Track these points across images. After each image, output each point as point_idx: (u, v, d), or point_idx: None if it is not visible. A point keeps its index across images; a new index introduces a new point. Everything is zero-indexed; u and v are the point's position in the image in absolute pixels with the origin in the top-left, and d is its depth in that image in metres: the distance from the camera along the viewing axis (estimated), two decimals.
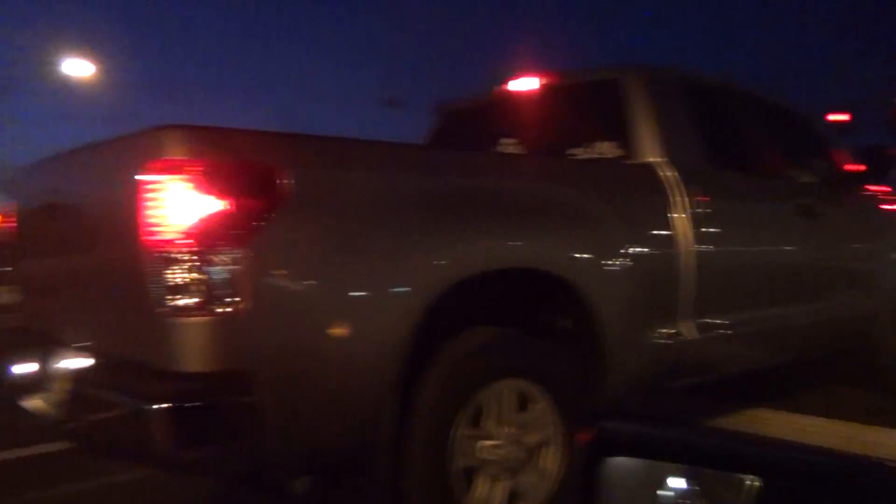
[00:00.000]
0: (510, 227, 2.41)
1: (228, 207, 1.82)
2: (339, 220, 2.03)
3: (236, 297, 1.81)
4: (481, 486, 2.30)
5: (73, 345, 2.47)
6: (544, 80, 3.62)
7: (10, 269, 3.34)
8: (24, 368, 2.66)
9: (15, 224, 3.11)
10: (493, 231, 2.36)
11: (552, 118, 3.61)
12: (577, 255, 2.57)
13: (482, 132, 3.86)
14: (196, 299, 1.79)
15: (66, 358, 2.53)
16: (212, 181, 1.81)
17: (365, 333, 2.03)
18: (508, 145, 3.66)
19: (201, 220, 1.79)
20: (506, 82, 3.72)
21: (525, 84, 3.66)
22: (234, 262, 1.81)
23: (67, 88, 25.69)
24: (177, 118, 1.96)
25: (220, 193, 1.82)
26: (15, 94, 26.94)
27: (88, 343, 2.39)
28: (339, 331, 1.99)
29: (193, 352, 1.83)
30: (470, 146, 3.78)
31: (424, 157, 2.61)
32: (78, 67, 24.96)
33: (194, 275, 1.79)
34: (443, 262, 2.19)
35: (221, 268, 1.80)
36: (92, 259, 2.31)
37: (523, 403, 2.41)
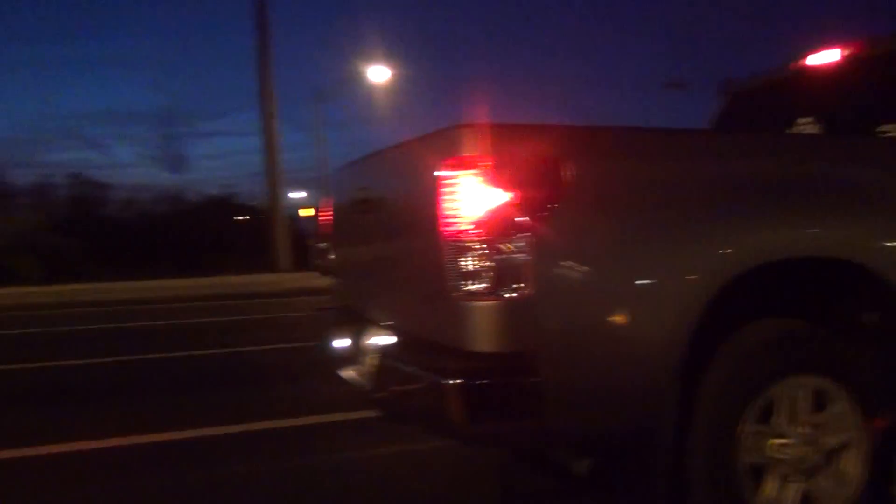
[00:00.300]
0: (808, 215, 2.26)
1: (516, 199, 1.95)
2: (622, 209, 2.07)
3: (523, 282, 1.93)
4: (770, 486, 2.21)
5: (380, 323, 2.80)
6: (848, 51, 3.29)
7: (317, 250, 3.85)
8: (342, 343, 3.06)
9: (331, 217, 3.58)
10: (787, 219, 2.23)
11: (857, 93, 3.28)
12: (889, 244, 2.33)
13: (773, 112, 3.63)
14: (486, 285, 1.95)
15: (375, 335, 2.87)
16: (501, 175, 1.95)
17: (646, 321, 2.05)
18: (806, 125, 3.40)
19: (492, 212, 1.94)
20: (803, 57, 3.45)
21: (826, 57, 3.36)
22: (522, 250, 1.94)
23: (372, 93, 28.58)
24: (469, 115, 2.12)
25: (509, 186, 1.95)
26: (332, 100, 30.51)
27: (393, 322, 2.69)
28: (620, 318, 2.03)
29: (484, 333, 1.98)
30: (759, 128, 3.56)
31: (709, 142, 2.53)
32: (379, 73, 27.68)
33: (485, 262, 1.94)
34: (729, 251, 2.13)
35: (509, 256, 1.94)
36: (396, 248, 2.61)
37: (820, 402, 2.27)
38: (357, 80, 29.39)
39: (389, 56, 28.56)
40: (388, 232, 2.67)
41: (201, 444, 3.91)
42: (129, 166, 68.61)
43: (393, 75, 28.23)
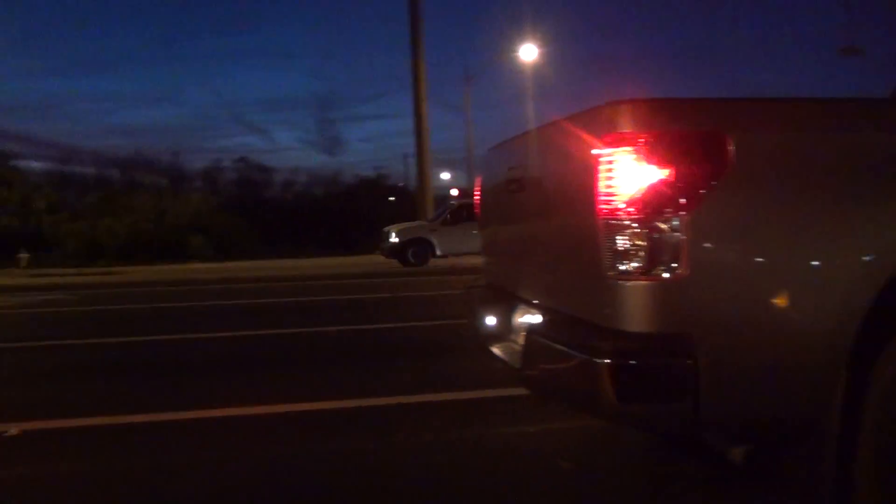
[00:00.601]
0: None
1: (674, 176, 1.90)
2: (789, 186, 1.96)
3: (679, 262, 1.89)
4: None
5: (530, 301, 2.82)
6: None
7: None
8: (492, 320, 3.11)
9: (479, 196, 3.64)
10: None
11: None
12: None
13: None
14: (641, 264, 1.92)
15: (524, 313, 2.90)
16: (658, 151, 1.91)
17: (814, 305, 1.94)
18: None
19: (648, 189, 1.91)
20: None
21: None
22: (678, 229, 1.89)
23: (522, 72, 28.56)
24: (623, 91, 2.08)
25: (666, 163, 1.91)
26: (479, 82, 30.73)
27: (542, 300, 2.71)
28: (784, 301, 1.93)
29: (637, 313, 1.96)
30: None
31: (890, 113, 2.34)
32: (528, 52, 27.59)
33: (640, 241, 1.91)
34: None
35: (665, 235, 1.90)
36: (547, 227, 2.62)
37: None
38: (507, 60, 29.45)
39: (539, 34, 28.26)
40: (539, 211, 2.67)
41: (363, 414, 4.11)
42: (289, 150, 72.56)
43: (542, 53, 28.04)
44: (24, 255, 24.55)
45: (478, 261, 3.70)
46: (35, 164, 38.02)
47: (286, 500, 2.90)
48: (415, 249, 20.58)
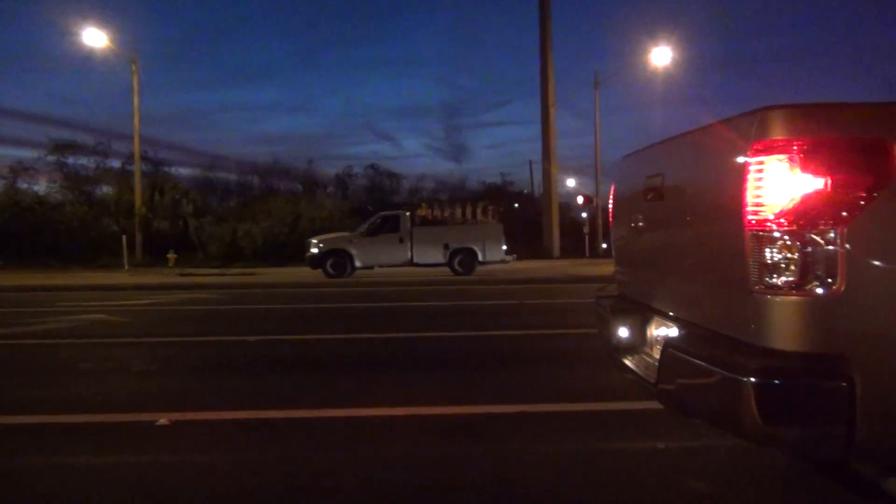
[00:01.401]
0: None
1: (831, 186, 1.79)
2: None
3: (835, 278, 1.77)
4: None
5: (664, 313, 2.73)
6: None
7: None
8: (624, 331, 3.04)
9: (612, 205, 3.56)
10: None
11: None
12: None
13: None
14: (793, 279, 1.82)
15: (658, 325, 2.81)
16: (814, 160, 1.81)
17: None
18: None
19: (802, 200, 1.80)
20: None
21: None
22: (834, 242, 1.77)
23: (653, 76, 27.87)
24: (758, 95, 1.97)
25: (823, 171, 1.80)
26: (607, 86, 30.28)
27: (678, 313, 2.61)
28: None
29: (787, 330, 1.86)
30: None
31: None
32: (660, 56, 26.87)
33: (792, 254, 1.81)
34: None
35: (820, 248, 1.79)
36: (687, 237, 2.52)
37: None
38: (636, 64, 28.79)
39: (670, 37, 27.42)
40: (678, 221, 2.59)
41: (481, 421, 4.11)
42: (416, 157, 74.06)
43: (674, 57, 27.22)
44: (171, 256, 26.29)
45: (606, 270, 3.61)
46: (183, 171, 40.54)
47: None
48: (334, 260, 20.30)
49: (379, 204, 34.46)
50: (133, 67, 27.70)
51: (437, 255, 20.66)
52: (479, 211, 22.48)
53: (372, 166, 43.77)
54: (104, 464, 3.40)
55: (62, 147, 36.32)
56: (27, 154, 43.54)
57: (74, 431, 3.97)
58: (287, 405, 4.49)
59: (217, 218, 33.78)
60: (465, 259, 20.38)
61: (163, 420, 4.09)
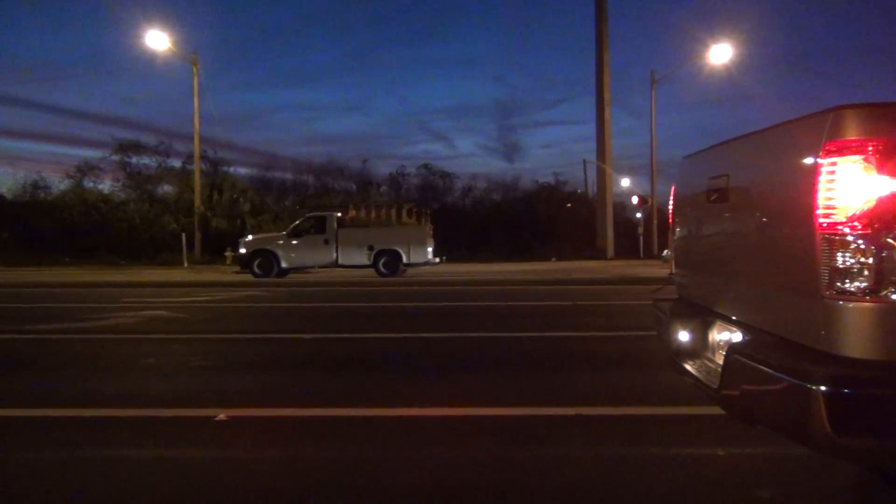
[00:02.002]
0: None
1: None
2: None
3: None
4: None
5: (727, 317, 2.66)
6: None
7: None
8: (685, 335, 2.97)
9: (672, 206, 3.49)
10: None
11: None
12: None
13: None
14: (866, 284, 1.75)
15: (721, 330, 2.74)
16: (891, 160, 1.73)
17: None
18: None
19: (878, 202, 1.73)
20: None
21: None
22: None
23: (711, 74, 27.31)
24: (822, 94, 1.90)
25: None
26: (662, 85, 29.78)
27: (742, 317, 2.54)
28: None
29: (859, 338, 1.79)
30: None
31: None
32: (719, 53, 26.31)
33: (865, 258, 1.74)
34: None
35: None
36: (753, 240, 2.45)
37: None
38: (694, 62, 28.25)
39: (729, 34, 26.80)
40: (744, 223, 2.51)
41: (536, 423, 4.08)
42: (469, 156, 74.07)
43: (734, 54, 26.61)
44: (229, 254, 26.83)
45: (666, 272, 3.53)
46: (241, 170, 41.31)
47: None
48: (260, 261, 20.59)
49: (430, 204, 34.63)
50: (193, 69, 28.36)
51: (362, 257, 21.07)
52: (404, 213, 22.71)
53: (425, 166, 43.89)
54: (164, 457, 3.48)
55: (126, 147, 37.45)
56: (93, 154, 44.96)
57: (136, 425, 4.08)
58: (343, 403, 4.53)
59: (273, 216, 34.37)
60: (389, 261, 20.79)
61: (221, 415, 4.16)
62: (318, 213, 21.94)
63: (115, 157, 37.29)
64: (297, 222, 21.66)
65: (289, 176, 44.39)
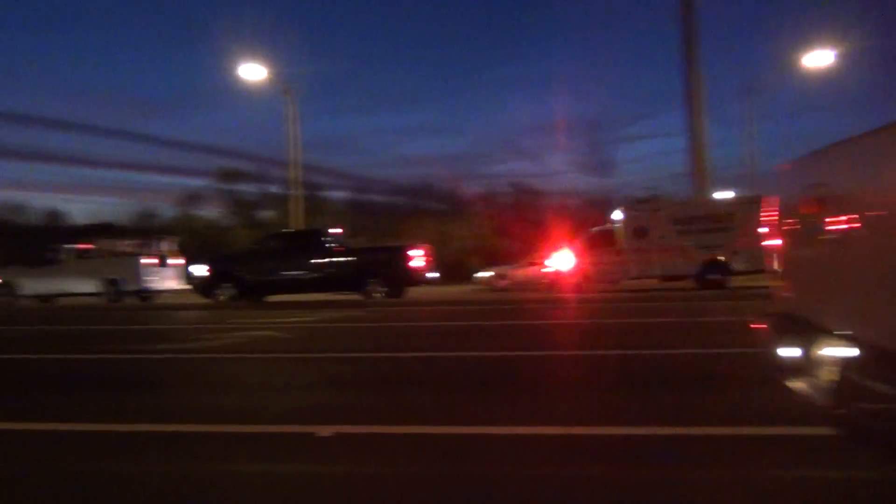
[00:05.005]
0: None
1: None
2: None
3: None
4: None
5: (838, 332, 2.56)
6: None
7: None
8: (791, 351, 2.87)
9: (776, 217, 3.38)
10: None
11: None
12: None
13: None
14: None
15: (832, 345, 2.64)
16: None
17: None
18: None
19: None
20: None
21: None
22: None
23: (810, 81, 26.20)
24: None
25: None
26: (759, 94, 28.78)
27: (854, 332, 2.43)
28: None
29: None
30: None
31: None
32: (817, 58, 25.22)
33: None
34: None
35: None
36: (866, 249, 2.35)
37: None
38: (789, 69, 27.19)
39: (824, 41, 25.62)
40: (857, 233, 2.40)
41: (640, 441, 4.01)
42: (558, 174, 73.61)
43: (830, 61, 25.42)
44: None
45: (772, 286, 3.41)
46: (336, 194, 42.55)
47: None
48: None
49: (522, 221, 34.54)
50: (289, 97, 29.43)
51: (90, 286, 22.92)
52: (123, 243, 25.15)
53: (514, 184, 43.93)
54: (274, 472, 3.61)
55: (228, 175, 39.25)
56: (199, 183, 47.35)
57: (245, 440, 4.25)
58: (445, 420, 4.57)
59: (368, 238, 35.15)
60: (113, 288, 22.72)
61: (325, 432, 4.28)
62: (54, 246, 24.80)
63: (219, 186, 39.11)
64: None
65: (381, 198, 45.36)
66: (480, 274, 27.45)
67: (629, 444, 3.96)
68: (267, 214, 38.70)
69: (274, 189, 39.13)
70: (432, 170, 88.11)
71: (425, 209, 42.20)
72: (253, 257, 20.95)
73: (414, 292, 20.22)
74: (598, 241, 22.19)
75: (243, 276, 20.02)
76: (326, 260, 19.96)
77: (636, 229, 21.17)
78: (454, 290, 23.28)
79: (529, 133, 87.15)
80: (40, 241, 30.35)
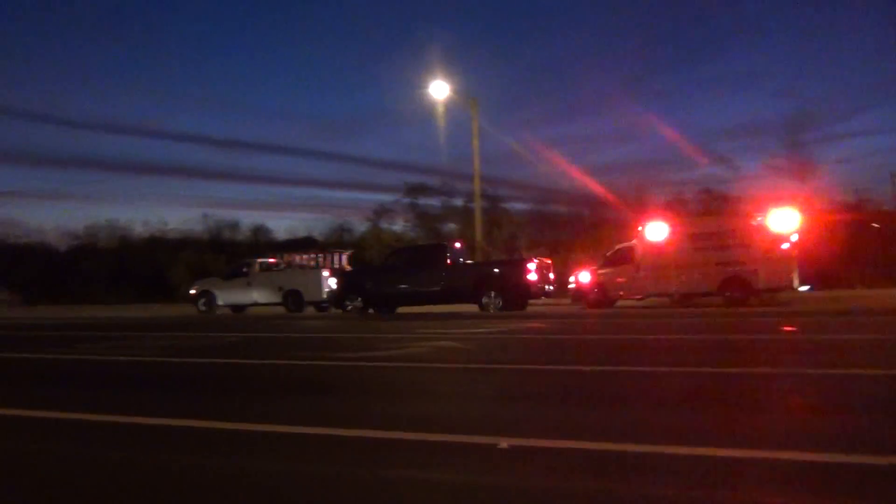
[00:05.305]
0: None
1: None
2: None
3: None
4: None
5: None
6: None
7: None
8: None
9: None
10: None
11: None
12: None
13: None
14: None
15: None
16: None
17: None
18: None
19: None
20: None
21: None
22: None
23: None
24: None
25: None
26: None
27: None
28: None
29: None
30: None
31: None
32: None
33: None
34: None
35: None
36: None
37: None
38: None
39: None
40: None
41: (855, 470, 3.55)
42: (754, 177, 69.24)
43: None
44: None
45: None
46: (518, 206, 42.81)
47: None
48: (205, 300, 26.60)
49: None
50: (473, 112, 30.00)
51: (274, 296, 24.97)
52: (301, 257, 28.53)
53: (705, 190, 41.82)
54: (454, 481, 3.56)
55: (414, 190, 40.73)
56: (387, 198, 49.58)
57: (426, 448, 4.26)
58: (629, 439, 4.31)
59: (550, 250, 34.95)
60: (294, 299, 24.84)
61: (503, 444, 4.20)
62: (245, 261, 27.79)
63: (405, 200, 40.71)
64: (232, 268, 28.79)
65: (564, 209, 45.00)
66: None
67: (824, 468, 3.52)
68: (449, 227, 39.68)
69: (457, 202, 40.13)
70: (617, 178, 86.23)
71: (609, 219, 41.28)
72: (379, 271, 22.56)
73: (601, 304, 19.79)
74: (621, 257, 22.33)
75: (370, 289, 21.17)
76: (446, 273, 20.77)
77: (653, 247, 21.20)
78: (629, 303, 22.52)
79: (720, 135, 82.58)
80: (240, 256, 33.53)
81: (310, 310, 25.14)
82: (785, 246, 19.39)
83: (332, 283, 23.42)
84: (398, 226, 42.13)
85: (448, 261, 21.18)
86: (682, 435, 4.37)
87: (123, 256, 47.11)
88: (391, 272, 21.71)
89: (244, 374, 8.38)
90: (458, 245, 22.66)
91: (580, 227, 40.34)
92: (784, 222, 19.51)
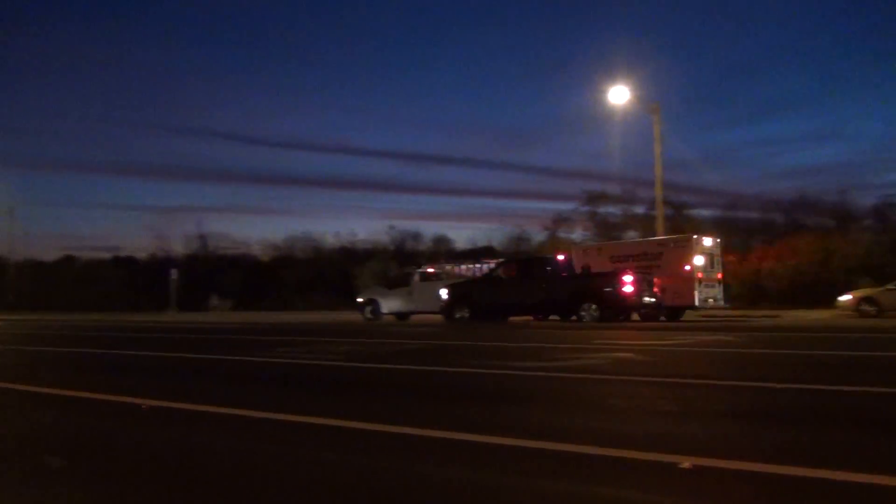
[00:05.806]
0: None
1: None
2: None
3: None
4: None
5: None
6: None
7: None
8: None
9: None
10: None
11: None
12: None
13: None
14: None
15: None
16: None
17: None
18: None
19: None
20: None
21: None
22: None
23: None
24: None
25: None
26: None
27: None
28: None
29: None
30: None
31: None
32: None
33: None
34: None
35: None
36: None
37: None
38: None
39: None
40: None
41: None
42: None
43: None
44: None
45: None
46: (704, 212, 40.84)
47: None
48: (371, 308, 27.43)
49: None
50: (654, 117, 29.06)
51: (435, 304, 24.14)
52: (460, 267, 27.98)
53: None
54: (633, 499, 3.45)
55: (594, 198, 40.17)
56: (566, 207, 49.19)
57: (602, 464, 4.13)
58: (819, 463, 3.94)
59: (740, 258, 33.00)
60: None
61: (685, 463, 3.98)
62: (405, 270, 28.19)
63: (585, 209, 40.19)
64: (392, 277, 29.17)
65: (754, 215, 42.36)
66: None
67: None
68: (630, 235, 38.62)
69: (638, 210, 39.00)
70: (814, 181, 79.72)
71: (806, 225, 38.27)
72: (485, 283, 23.28)
73: (785, 318, 18.43)
74: None
75: (476, 300, 22.17)
76: (546, 285, 21.50)
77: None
78: (813, 316, 20.70)
79: None
80: (407, 265, 35.01)
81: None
82: None
83: (444, 293, 24.08)
84: (576, 234, 41.66)
85: (547, 273, 22.01)
86: (860, 459, 3.93)
87: (317, 266, 50.42)
88: (495, 284, 22.63)
89: (420, 381, 8.62)
90: (560, 258, 23.79)
91: (772, 233, 37.76)
92: None
